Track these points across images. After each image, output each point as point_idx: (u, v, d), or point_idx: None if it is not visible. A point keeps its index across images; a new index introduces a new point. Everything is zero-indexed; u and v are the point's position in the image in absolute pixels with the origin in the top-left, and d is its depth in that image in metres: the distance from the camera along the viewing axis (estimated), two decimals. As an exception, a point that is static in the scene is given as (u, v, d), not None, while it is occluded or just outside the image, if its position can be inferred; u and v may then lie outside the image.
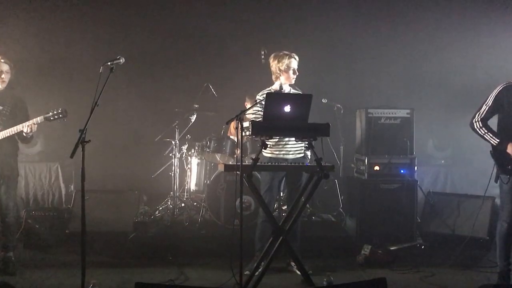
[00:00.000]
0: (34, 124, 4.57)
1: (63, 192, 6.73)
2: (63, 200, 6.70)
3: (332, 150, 6.06)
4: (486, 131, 4.21)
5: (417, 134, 5.79)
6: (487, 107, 4.22)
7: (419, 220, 5.76)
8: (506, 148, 4.11)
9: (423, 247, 5.46)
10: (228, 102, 6.59)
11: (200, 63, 7.52)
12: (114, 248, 5.27)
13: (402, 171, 5.63)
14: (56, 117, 4.57)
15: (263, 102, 4.21)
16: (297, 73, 4.76)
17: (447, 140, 7.06)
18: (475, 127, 4.26)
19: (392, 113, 5.73)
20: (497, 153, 4.19)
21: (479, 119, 4.24)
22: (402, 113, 5.73)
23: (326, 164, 4.15)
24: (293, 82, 4.77)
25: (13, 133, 4.62)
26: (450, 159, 7.01)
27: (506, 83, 4.19)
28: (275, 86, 4.78)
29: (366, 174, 5.66)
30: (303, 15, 7.40)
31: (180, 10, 7.49)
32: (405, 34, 7.26)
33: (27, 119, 4.67)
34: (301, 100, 4.22)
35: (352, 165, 6.20)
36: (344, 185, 6.55)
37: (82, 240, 3.60)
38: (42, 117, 4.57)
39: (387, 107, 5.81)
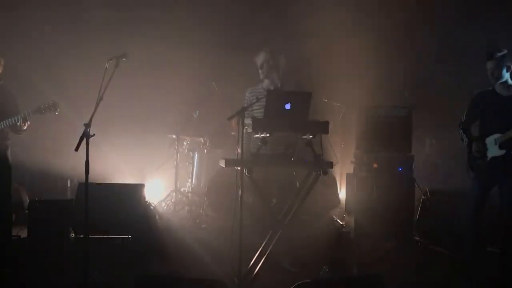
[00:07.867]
0: (27, 116, 4.61)
1: (68, 184, 6.81)
2: (68, 192, 6.79)
3: (331, 148, 6.13)
4: (463, 134, 4.59)
5: (415, 132, 5.86)
6: (465, 114, 4.61)
7: (416, 217, 5.82)
8: (470, 147, 4.47)
9: (420, 244, 5.53)
10: (230, 98, 6.64)
11: (204, 59, 7.56)
12: (116, 241, 5.34)
13: (400, 168, 5.70)
14: (47, 110, 4.63)
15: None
16: (270, 65, 4.76)
17: (445, 138, 7.11)
18: (459, 132, 4.64)
19: (391, 112, 5.80)
20: (467, 152, 4.55)
21: (461, 125, 4.62)
22: (401, 111, 5.80)
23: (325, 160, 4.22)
24: (265, 76, 4.82)
25: (7, 126, 4.65)
26: (448, 157, 7.07)
27: (479, 90, 4.54)
28: (264, 83, 4.90)
29: (364, 171, 5.74)
30: (304, 14, 7.43)
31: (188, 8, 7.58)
32: (405, 32, 7.30)
33: (17, 109, 4.68)
34: (301, 98, 4.29)
35: (351, 162, 6.27)
36: (343, 182, 6.62)
37: (85, 232, 3.67)
38: (34, 109, 4.63)
39: (386, 105, 5.88)
